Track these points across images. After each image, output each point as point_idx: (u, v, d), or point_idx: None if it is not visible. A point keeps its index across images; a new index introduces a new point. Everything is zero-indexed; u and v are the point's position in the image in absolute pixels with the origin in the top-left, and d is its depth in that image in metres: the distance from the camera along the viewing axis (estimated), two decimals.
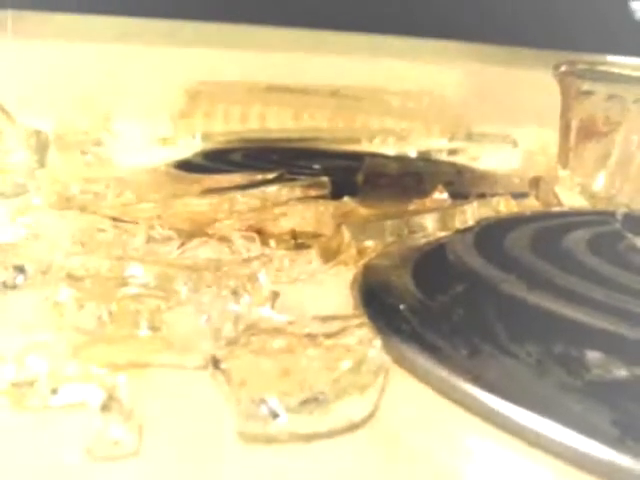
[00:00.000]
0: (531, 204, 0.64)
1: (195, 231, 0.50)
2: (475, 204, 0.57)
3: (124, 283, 0.38)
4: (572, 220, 0.53)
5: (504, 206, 0.59)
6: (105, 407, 0.26)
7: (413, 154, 0.97)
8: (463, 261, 0.42)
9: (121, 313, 0.35)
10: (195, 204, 0.56)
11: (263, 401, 0.27)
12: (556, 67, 0.73)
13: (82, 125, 0.75)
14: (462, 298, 0.39)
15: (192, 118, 0.95)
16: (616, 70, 0.66)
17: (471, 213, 0.55)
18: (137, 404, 0.27)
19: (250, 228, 0.50)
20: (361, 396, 0.29)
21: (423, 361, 0.32)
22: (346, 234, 0.49)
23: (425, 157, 0.96)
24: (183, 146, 0.90)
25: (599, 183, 0.66)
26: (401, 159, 0.93)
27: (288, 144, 0.94)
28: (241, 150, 0.89)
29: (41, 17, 0.80)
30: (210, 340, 0.33)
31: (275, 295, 0.38)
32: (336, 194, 0.60)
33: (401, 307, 0.38)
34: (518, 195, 0.63)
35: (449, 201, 0.60)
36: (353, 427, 0.28)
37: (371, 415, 0.29)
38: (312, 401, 0.27)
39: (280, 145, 0.93)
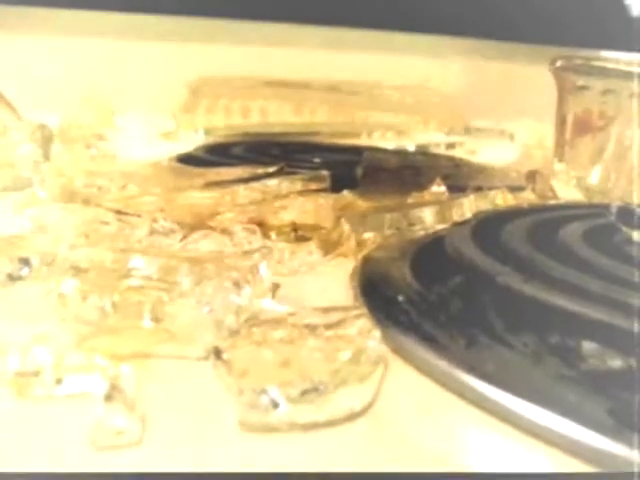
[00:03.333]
0: (527, 197, 0.64)
1: (197, 224, 0.50)
2: (472, 197, 0.57)
3: (127, 275, 0.38)
4: (568, 213, 0.53)
5: (501, 199, 0.59)
6: (108, 397, 0.27)
7: (411, 148, 0.97)
8: (461, 253, 0.42)
9: (124, 304, 0.35)
10: (197, 197, 0.56)
11: (264, 391, 0.27)
12: (552, 62, 0.74)
13: (86, 119, 0.75)
14: (460, 290, 0.40)
15: (194, 113, 0.95)
16: (611, 65, 0.67)
17: (468, 206, 0.56)
18: (140, 394, 0.27)
19: (251, 221, 0.50)
20: (360, 386, 0.29)
21: (421, 351, 0.33)
22: (346, 226, 0.50)
23: (423, 151, 0.96)
24: (185, 140, 0.90)
25: (594, 176, 0.67)
26: (400, 153, 0.93)
27: (288, 138, 0.94)
28: (242, 144, 0.89)
29: (46, 13, 0.80)
30: (212, 331, 0.33)
31: (276, 286, 0.39)
32: (336, 187, 0.61)
33: (400, 298, 0.38)
34: (515, 188, 0.63)
35: (447, 194, 0.61)
36: (353, 416, 0.28)
37: (370, 405, 0.29)
38: (312, 391, 0.27)
39: (281, 139, 0.93)
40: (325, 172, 0.63)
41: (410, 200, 0.59)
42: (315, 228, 0.52)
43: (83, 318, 0.34)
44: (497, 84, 0.99)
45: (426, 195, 0.60)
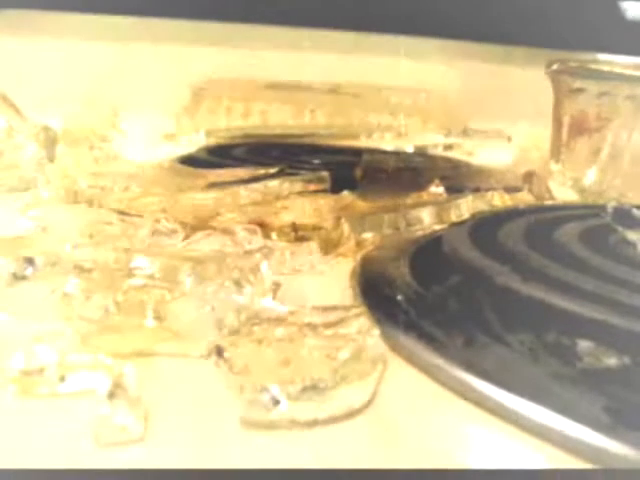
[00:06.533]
0: (524, 198, 0.64)
1: (199, 224, 0.50)
2: (470, 198, 0.57)
3: (130, 274, 0.38)
4: (564, 213, 0.53)
5: (498, 200, 0.59)
6: (112, 394, 0.27)
7: (410, 149, 0.98)
8: (458, 253, 0.42)
9: (127, 303, 0.35)
10: (199, 198, 0.56)
11: (265, 389, 0.27)
12: (549, 65, 0.74)
13: (90, 121, 0.75)
14: (457, 289, 0.40)
15: (196, 115, 0.95)
16: (607, 68, 0.67)
17: (466, 207, 0.56)
18: (143, 392, 0.28)
19: (252, 221, 0.50)
20: (360, 384, 0.29)
21: (420, 350, 0.33)
22: (345, 227, 0.50)
23: (422, 152, 0.96)
24: (187, 142, 0.91)
25: (590, 178, 0.67)
26: (398, 154, 0.92)
27: (289, 140, 0.94)
28: (243, 145, 0.89)
29: (50, 16, 0.80)
30: (214, 330, 0.33)
31: (276, 286, 0.39)
32: (336, 188, 0.61)
33: (399, 298, 0.38)
34: (512, 189, 0.63)
35: (445, 195, 0.61)
36: (352, 414, 0.28)
37: (370, 402, 0.29)
38: (312, 389, 0.28)
39: (281, 141, 0.93)
40: (325, 173, 0.63)
41: (409, 201, 0.59)
42: (315, 228, 0.52)
43: (87, 317, 0.34)
44: (494, 86, 0.99)
45: (424, 196, 0.61)
